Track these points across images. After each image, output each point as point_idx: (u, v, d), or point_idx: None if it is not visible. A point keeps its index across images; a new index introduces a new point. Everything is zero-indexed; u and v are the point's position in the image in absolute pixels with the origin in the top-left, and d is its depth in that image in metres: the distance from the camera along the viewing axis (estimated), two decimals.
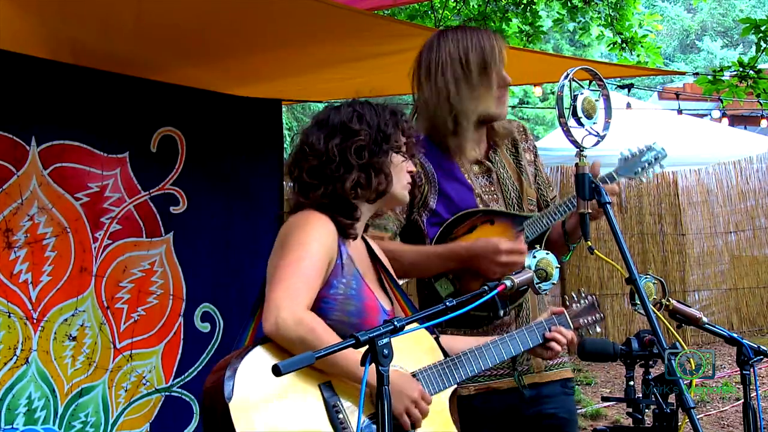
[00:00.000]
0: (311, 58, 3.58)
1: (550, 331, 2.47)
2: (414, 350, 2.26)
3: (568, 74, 2.34)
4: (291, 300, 2.06)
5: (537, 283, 2.36)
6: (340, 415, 2.07)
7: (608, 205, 2.36)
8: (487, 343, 2.39)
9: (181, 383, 3.64)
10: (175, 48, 3.32)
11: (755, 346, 2.52)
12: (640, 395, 2.27)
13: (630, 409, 2.29)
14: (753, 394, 2.43)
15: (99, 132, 3.41)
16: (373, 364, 1.76)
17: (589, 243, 2.34)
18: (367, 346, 1.76)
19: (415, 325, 2.04)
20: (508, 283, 2.19)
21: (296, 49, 3.43)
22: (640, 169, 2.82)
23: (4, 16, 2.81)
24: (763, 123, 11.07)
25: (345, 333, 2.10)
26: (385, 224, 2.68)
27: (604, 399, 2.67)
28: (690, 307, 2.66)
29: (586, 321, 2.59)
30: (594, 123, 2.38)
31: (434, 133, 2.76)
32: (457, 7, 9.05)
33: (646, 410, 2.27)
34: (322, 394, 2.08)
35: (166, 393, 3.59)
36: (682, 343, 2.28)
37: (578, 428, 2.90)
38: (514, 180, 2.84)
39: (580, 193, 2.37)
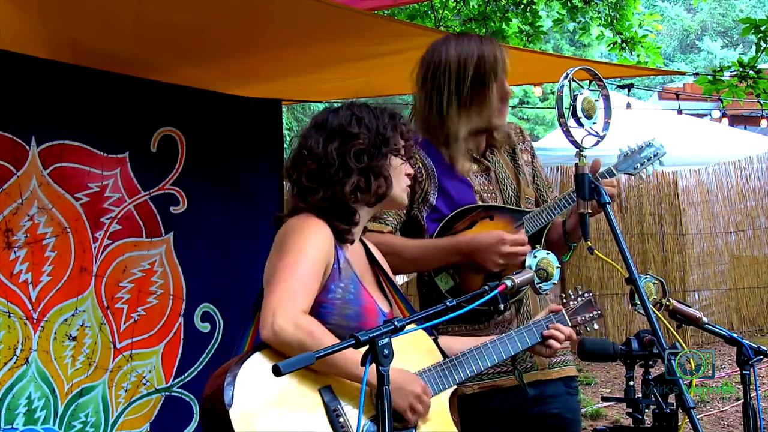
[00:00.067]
0: (311, 58, 3.58)
1: (547, 329, 2.47)
2: (413, 352, 2.26)
3: (568, 74, 2.34)
4: (287, 305, 2.05)
5: (538, 283, 2.36)
6: (341, 419, 2.07)
7: (608, 205, 2.36)
8: (486, 343, 2.40)
9: (181, 383, 3.64)
10: (175, 48, 3.32)
11: (755, 346, 2.52)
12: (640, 395, 2.27)
13: (630, 409, 2.29)
14: (753, 394, 2.43)
15: (99, 132, 3.41)
16: (374, 364, 1.76)
17: (589, 243, 2.34)
18: (367, 346, 1.76)
19: (414, 325, 2.04)
20: (508, 283, 2.19)
21: (296, 49, 3.43)
22: (639, 165, 2.82)
23: (4, 16, 2.81)
24: (763, 123, 11.06)
25: (344, 337, 2.10)
26: (386, 219, 2.68)
27: (604, 399, 2.67)
28: (690, 307, 2.66)
29: (584, 318, 2.59)
30: (594, 123, 2.38)
31: (431, 134, 2.77)
32: (457, 7, 9.05)
33: (646, 410, 2.27)
34: (323, 398, 2.08)
35: (166, 393, 3.59)
36: (682, 343, 2.28)
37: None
38: (511, 179, 2.84)
39: (580, 193, 2.37)
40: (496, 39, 2.82)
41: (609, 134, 2.42)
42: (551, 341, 2.47)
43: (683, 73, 9.49)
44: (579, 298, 2.62)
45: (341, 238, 2.27)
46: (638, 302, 2.28)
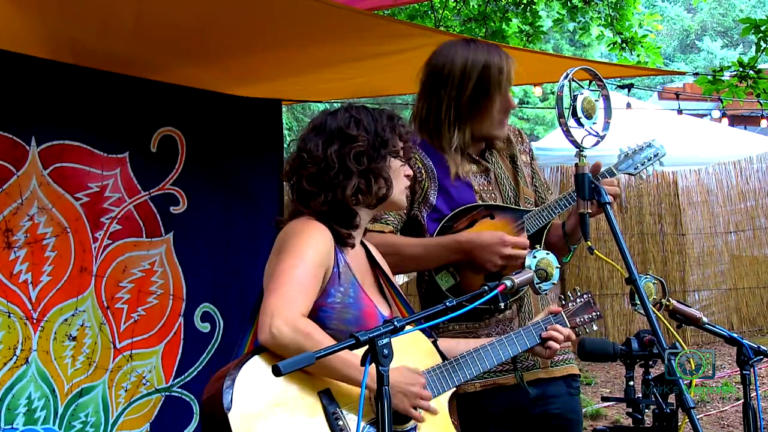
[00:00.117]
0: (311, 58, 3.57)
1: (546, 330, 2.48)
2: (412, 354, 2.26)
3: (568, 74, 2.34)
4: (286, 307, 2.05)
5: (537, 283, 2.36)
6: (340, 422, 2.07)
7: (608, 205, 2.36)
8: (485, 345, 2.40)
9: (181, 383, 3.64)
10: (175, 48, 3.32)
11: (755, 346, 2.52)
12: (640, 395, 2.28)
13: (630, 409, 2.30)
14: (753, 394, 2.44)
15: (99, 132, 3.41)
16: (373, 364, 1.76)
17: (589, 243, 2.34)
18: (366, 346, 1.76)
19: (414, 325, 2.04)
20: (508, 283, 2.19)
21: (296, 49, 3.42)
22: (639, 165, 2.83)
23: (4, 16, 2.81)
24: (763, 123, 11.06)
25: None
26: (387, 219, 2.68)
27: (604, 399, 2.67)
28: (690, 307, 2.66)
29: (582, 319, 2.60)
30: (594, 123, 2.38)
31: (427, 134, 2.78)
32: (457, 7, 9.06)
33: (646, 410, 2.27)
34: (322, 402, 2.08)
35: (166, 393, 3.59)
36: (682, 343, 2.28)
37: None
38: (510, 180, 2.84)
39: (580, 193, 2.37)
40: (504, 51, 2.79)
41: (609, 134, 2.42)
42: (550, 342, 2.48)
43: (683, 73, 9.49)
44: (578, 300, 2.62)
45: (342, 242, 2.27)
46: (638, 302, 2.29)
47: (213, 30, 3.16)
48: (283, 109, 4.55)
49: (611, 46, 8.75)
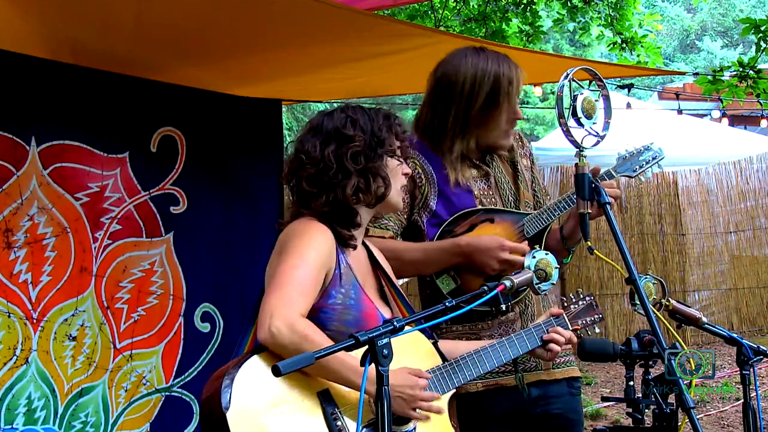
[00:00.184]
0: (311, 58, 3.57)
1: (548, 332, 2.48)
2: (412, 355, 2.26)
3: (568, 74, 2.34)
4: (285, 308, 2.05)
5: (536, 284, 2.36)
6: (338, 423, 2.07)
7: (608, 206, 2.36)
8: (486, 347, 2.40)
9: (182, 383, 3.64)
10: (175, 48, 3.32)
11: (755, 346, 2.52)
12: (640, 395, 2.27)
13: (630, 409, 2.30)
14: (753, 394, 2.43)
15: (99, 132, 3.41)
16: (373, 365, 1.76)
17: (589, 243, 2.34)
18: (366, 347, 1.76)
19: (414, 325, 2.04)
20: (507, 283, 2.19)
21: (296, 49, 3.42)
22: (638, 168, 2.84)
23: (4, 16, 2.81)
24: (763, 123, 11.07)
25: None
26: (387, 224, 2.69)
27: (604, 399, 2.67)
28: (690, 307, 2.66)
29: (584, 322, 2.60)
30: (594, 123, 2.38)
31: (430, 141, 2.78)
32: (457, 7, 9.05)
33: (646, 410, 2.27)
34: (320, 402, 2.08)
35: (166, 393, 3.59)
36: (682, 343, 2.28)
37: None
38: (511, 184, 2.85)
39: (580, 193, 2.37)
40: (513, 62, 2.78)
41: (609, 134, 2.42)
42: (551, 345, 2.48)
43: (683, 73, 9.49)
44: (580, 302, 2.62)
45: (344, 243, 2.27)
46: (638, 302, 2.29)
47: (213, 30, 3.16)
48: (283, 109, 4.55)
49: (611, 46, 8.74)
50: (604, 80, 2.45)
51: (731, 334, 2.56)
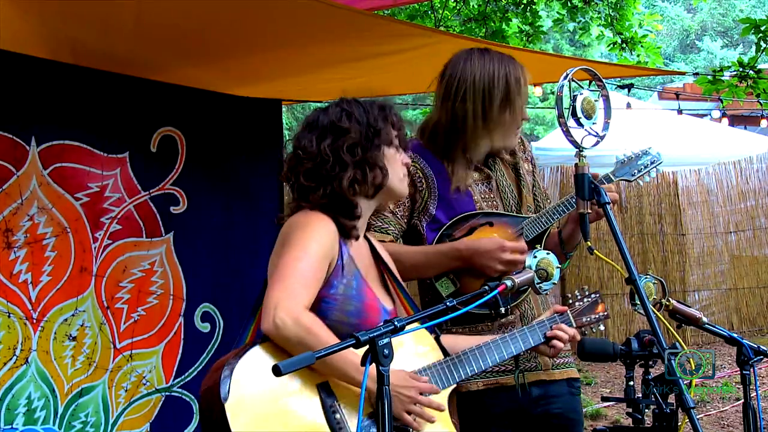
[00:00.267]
0: (311, 58, 3.57)
1: (551, 329, 2.47)
2: (414, 349, 2.27)
3: (567, 74, 2.34)
4: (289, 299, 2.06)
5: (537, 283, 2.36)
6: (337, 416, 2.07)
7: (608, 206, 2.36)
8: (489, 342, 2.40)
9: (182, 383, 3.64)
10: (175, 48, 3.32)
11: (755, 346, 2.52)
12: (640, 395, 2.27)
13: (630, 409, 2.30)
14: (753, 394, 2.43)
15: (99, 132, 3.41)
16: (373, 364, 1.76)
17: (589, 243, 2.34)
18: (367, 346, 1.76)
19: (415, 325, 2.04)
20: (508, 283, 2.19)
21: (296, 49, 3.42)
22: (636, 172, 2.84)
23: (4, 16, 2.81)
24: (763, 123, 11.08)
25: (345, 333, 2.10)
26: (387, 228, 2.69)
27: (604, 399, 2.67)
28: (690, 307, 2.66)
29: (589, 319, 2.59)
30: (593, 123, 2.38)
31: (436, 145, 2.77)
32: (457, 7, 9.05)
33: (646, 410, 2.27)
34: (320, 395, 2.09)
35: (166, 393, 3.60)
36: (682, 343, 2.28)
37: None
38: (513, 187, 2.85)
39: (579, 193, 2.37)
40: (518, 62, 2.79)
41: (609, 134, 2.42)
42: (555, 341, 2.47)
43: (683, 73, 9.49)
44: (585, 299, 2.62)
45: (346, 233, 2.28)
46: (638, 302, 2.29)
47: (213, 30, 3.16)
48: (283, 109, 4.55)
49: (611, 46, 8.74)
50: (603, 80, 2.45)
51: (731, 334, 2.56)
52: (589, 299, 2.62)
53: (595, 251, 2.33)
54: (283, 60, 3.60)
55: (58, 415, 3.25)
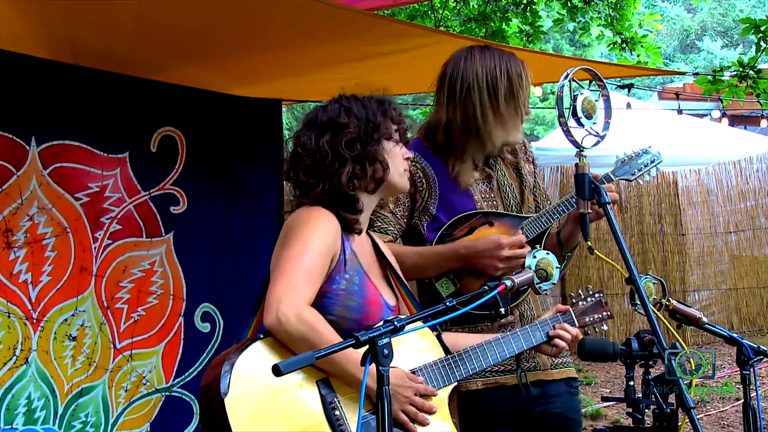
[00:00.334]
0: (311, 58, 3.57)
1: (554, 329, 2.47)
2: (415, 347, 2.27)
3: (568, 74, 2.34)
4: (292, 295, 2.07)
5: (537, 283, 2.36)
6: (337, 412, 2.08)
7: (608, 206, 2.36)
8: (490, 340, 2.40)
9: (182, 383, 3.64)
10: (175, 48, 3.32)
11: (755, 346, 2.52)
12: (640, 395, 2.27)
13: (630, 409, 2.30)
14: (753, 394, 2.43)
15: (99, 132, 3.41)
16: (374, 364, 1.76)
17: (589, 243, 2.34)
18: (367, 346, 1.76)
19: (414, 324, 2.04)
20: (508, 283, 2.19)
21: (296, 49, 3.42)
22: (636, 171, 2.84)
23: (4, 16, 2.81)
24: (763, 123, 11.08)
25: (346, 328, 2.11)
26: (386, 228, 2.69)
27: (604, 399, 2.67)
28: (690, 307, 2.66)
29: (592, 319, 2.59)
30: (594, 123, 2.38)
31: (438, 145, 2.77)
32: (457, 7, 9.05)
33: (646, 410, 2.27)
34: (320, 391, 2.09)
35: (167, 393, 3.59)
36: (682, 343, 2.28)
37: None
38: (514, 188, 2.85)
39: (580, 193, 2.37)
40: (516, 55, 2.80)
41: (609, 134, 2.42)
42: (557, 341, 2.47)
43: (683, 73, 9.49)
44: (589, 299, 2.61)
45: (348, 228, 2.29)
46: (638, 302, 2.28)
47: (213, 30, 3.16)
48: (283, 109, 4.55)
49: (611, 46, 8.74)
50: (604, 80, 2.45)
51: (731, 334, 2.56)
52: (593, 299, 2.61)
53: (595, 251, 2.33)
54: (283, 60, 3.60)
55: (58, 415, 3.25)
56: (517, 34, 8.68)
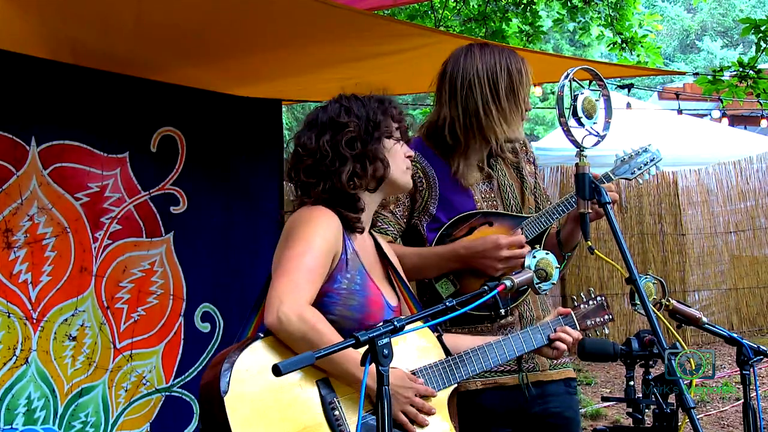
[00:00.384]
0: (311, 58, 3.57)
1: (555, 331, 2.47)
2: (415, 348, 2.27)
3: (568, 74, 2.34)
4: (293, 295, 2.07)
5: (537, 283, 2.36)
6: (336, 412, 2.08)
7: (608, 205, 2.36)
8: (491, 342, 2.39)
9: (182, 383, 3.64)
10: (175, 48, 3.32)
11: (755, 346, 2.52)
12: (640, 395, 2.27)
13: (630, 409, 2.30)
14: (753, 394, 2.43)
15: (99, 132, 3.41)
16: (373, 364, 1.76)
17: (589, 243, 2.34)
18: (367, 346, 1.76)
19: (414, 325, 2.04)
20: (507, 283, 2.19)
21: (296, 49, 3.42)
22: (636, 170, 2.83)
23: (4, 16, 2.81)
24: (763, 123, 11.08)
25: (347, 328, 2.11)
26: (386, 229, 2.69)
27: (604, 399, 2.67)
28: (690, 307, 2.66)
29: (593, 322, 2.58)
30: (594, 123, 2.38)
31: (439, 144, 2.77)
32: (457, 7, 9.05)
33: (646, 410, 2.27)
34: (319, 391, 2.09)
35: (167, 393, 3.59)
36: (682, 343, 2.28)
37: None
38: (515, 188, 2.84)
39: (580, 193, 2.37)
40: (515, 52, 2.80)
41: (609, 134, 2.42)
42: (558, 343, 2.47)
43: (683, 73, 9.49)
44: (590, 302, 2.61)
45: (350, 227, 2.29)
46: (638, 302, 2.28)
47: (213, 30, 3.16)
48: (283, 109, 4.55)
49: (611, 46, 8.74)
50: (604, 80, 2.45)
51: (731, 334, 2.56)
52: (595, 302, 2.61)
53: (595, 251, 2.33)
54: (283, 60, 3.60)
55: (58, 415, 3.25)
56: (517, 34, 8.68)
